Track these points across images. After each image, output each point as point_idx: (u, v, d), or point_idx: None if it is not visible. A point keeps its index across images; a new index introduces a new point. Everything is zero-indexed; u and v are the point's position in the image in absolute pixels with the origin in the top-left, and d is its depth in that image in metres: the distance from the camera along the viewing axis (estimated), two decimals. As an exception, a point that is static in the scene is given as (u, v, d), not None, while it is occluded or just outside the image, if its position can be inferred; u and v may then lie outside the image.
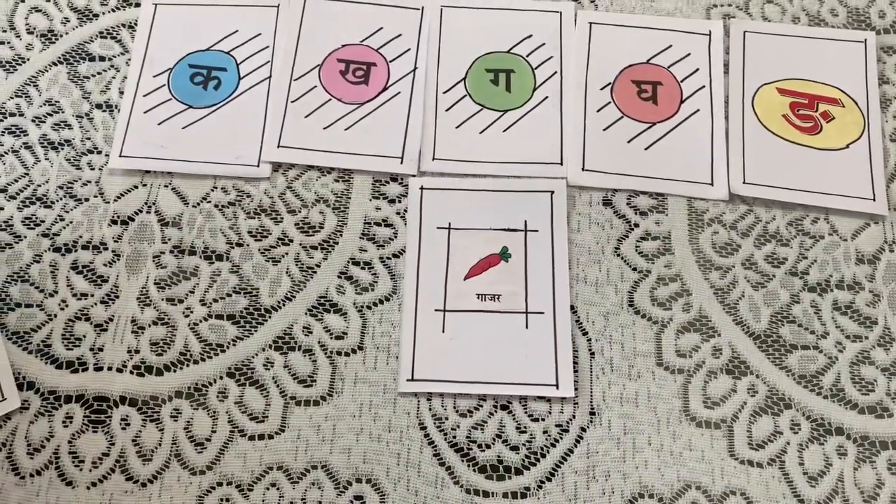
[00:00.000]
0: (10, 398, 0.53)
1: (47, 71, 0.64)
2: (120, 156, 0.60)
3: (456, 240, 0.57)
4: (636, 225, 0.59)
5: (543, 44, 0.64)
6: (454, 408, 0.53)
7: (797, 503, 0.51)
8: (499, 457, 0.52)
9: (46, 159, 0.61)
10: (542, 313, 0.55)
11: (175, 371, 0.55)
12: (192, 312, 0.56)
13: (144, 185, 0.60)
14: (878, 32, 0.65)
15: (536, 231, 0.57)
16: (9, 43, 0.65)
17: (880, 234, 0.58)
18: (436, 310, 0.55)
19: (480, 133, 0.61)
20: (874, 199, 0.59)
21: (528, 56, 0.64)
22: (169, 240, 0.58)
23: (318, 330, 0.56)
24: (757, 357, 0.55)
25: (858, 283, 0.57)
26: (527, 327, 0.54)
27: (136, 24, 0.65)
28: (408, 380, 0.53)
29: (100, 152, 0.61)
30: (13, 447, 0.52)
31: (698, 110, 0.62)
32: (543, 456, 0.52)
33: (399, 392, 0.53)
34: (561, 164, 0.60)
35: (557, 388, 0.53)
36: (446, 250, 0.57)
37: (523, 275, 0.56)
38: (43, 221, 0.59)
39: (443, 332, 0.54)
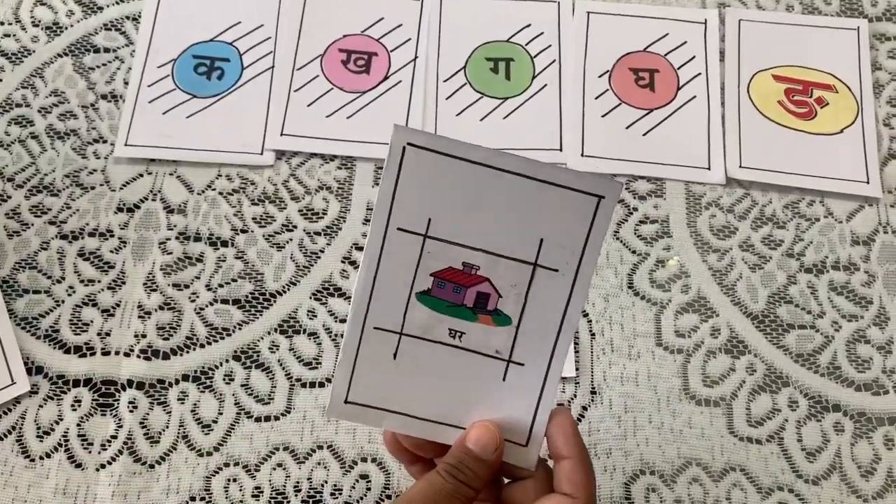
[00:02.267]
0: (20, 382, 0.54)
1: (53, 62, 0.65)
2: (125, 145, 0.61)
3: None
4: (635, 209, 0.60)
5: (542, 33, 0.65)
6: (457, 388, 0.54)
7: (796, 478, 0.52)
8: (502, 436, 0.53)
9: (53, 149, 0.62)
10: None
11: (181, 355, 0.55)
12: (197, 297, 0.57)
13: (150, 174, 0.61)
14: (870, 20, 0.66)
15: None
16: (14, 35, 0.66)
17: (874, 216, 0.59)
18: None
19: (481, 120, 0.62)
20: (868, 182, 0.60)
21: (526, 45, 0.65)
22: (174, 226, 0.59)
23: (322, 313, 0.56)
24: (755, 337, 0.56)
25: (854, 264, 0.58)
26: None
27: (139, 17, 0.66)
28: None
29: (105, 141, 0.62)
30: (23, 431, 0.53)
31: (695, 97, 0.63)
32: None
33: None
34: (560, 150, 0.61)
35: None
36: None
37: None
38: (50, 209, 0.60)
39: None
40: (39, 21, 0.66)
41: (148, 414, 0.54)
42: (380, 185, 0.37)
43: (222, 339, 0.56)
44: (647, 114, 0.62)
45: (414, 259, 0.38)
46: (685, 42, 0.65)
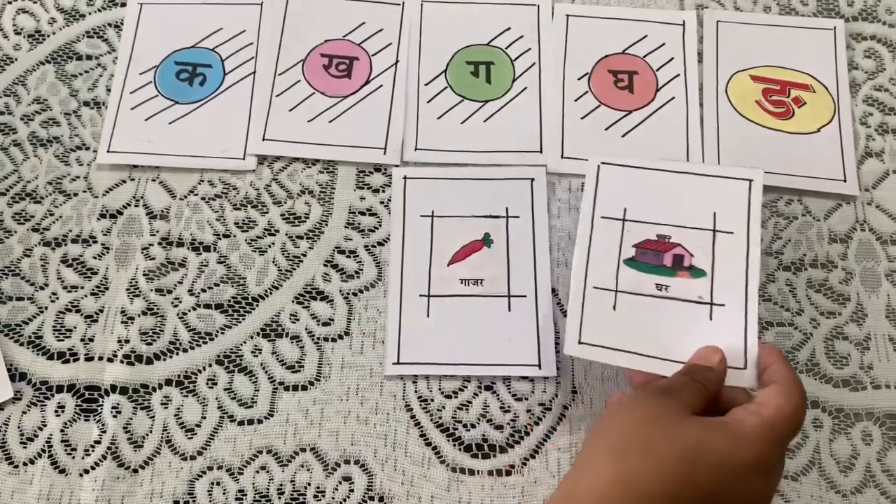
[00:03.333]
0: (3, 389, 0.54)
1: (35, 70, 0.65)
2: (108, 151, 0.62)
3: (439, 227, 0.58)
4: (615, 209, 0.60)
5: (522, 36, 0.66)
6: (439, 389, 0.54)
7: (775, 475, 0.52)
8: (483, 436, 0.53)
9: (36, 156, 0.62)
10: (525, 296, 0.56)
11: (165, 360, 0.55)
12: (180, 302, 0.57)
13: (132, 180, 0.61)
14: (846, 20, 0.67)
15: (518, 217, 0.58)
16: (-3, 44, 0.66)
17: (852, 214, 0.60)
18: (420, 295, 0.56)
19: (462, 123, 0.63)
20: (845, 181, 0.60)
21: (506, 48, 0.65)
22: (157, 232, 0.59)
23: (304, 317, 0.57)
24: (734, 335, 0.56)
25: (831, 262, 0.58)
26: (509, 310, 0.56)
27: (122, 24, 0.66)
28: (394, 363, 0.54)
29: (88, 148, 0.62)
30: (6, 437, 0.53)
31: (673, 98, 0.63)
32: (527, 434, 0.53)
33: (385, 375, 0.55)
34: (541, 152, 0.61)
35: (540, 367, 0.54)
36: (430, 237, 0.58)
37: (505, 259, 0.57)
38: (33, 216, 0.60)
39: (427, 316, 0.56)
40: (22, 29, 0.67)
41: (131, 419, 0.54)
42: (584, 191, 0.52)
43: (205, 343, 0.56)
44: (626, 115, 0.63)
45: (618, 236, 0.51)
46: (664, 44, 0.65)
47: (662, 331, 0.48)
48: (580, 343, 0.49)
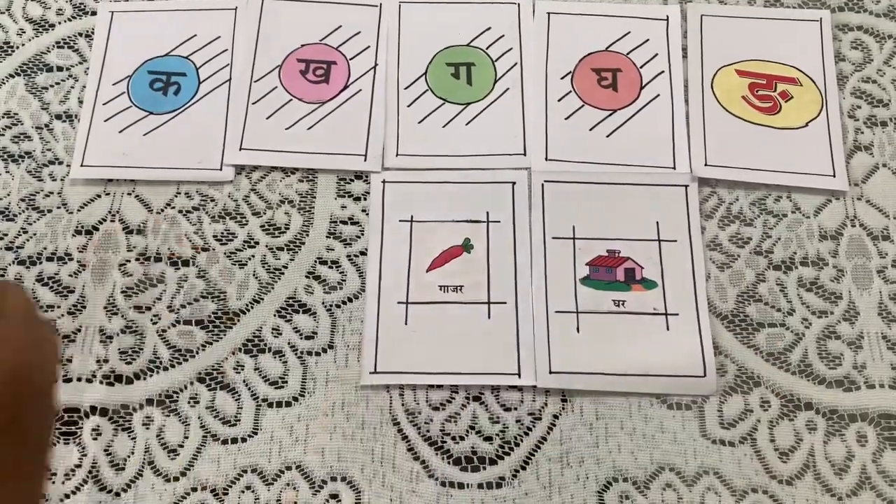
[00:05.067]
0: (-21, 414, 0.53)
1: (5, 83, 0.63)
2: (81, 165, 0.60)
3: (418, 232, 0.57)
4: (601, 211, 0.59)
5: (503, 36, 0.64)
6: (427, 401, 0.53)
7: (769, 479, 0.51)
8: (473, 448, 0.52)
9: (7, 172, 0.60)
10: (505, 303, 0.55)
11: (145, 379, 0.54)
12: (159, 319, 0.56)
13: (107, 194, 0.60)
14: (832, 11, 0.65)
15: (498, 222, 0.57)
16: (-35, 57, 0.64)
17: (842, 210, 0.59)
18: (398, 302, 0.55)
19: (443, 127, 0.61)
20: (834, 176, 0.59)
21: (487, 49, 0.64)
22: (134, 247, 0.58)
23: (287, 331, 0.55)
24: (725, 337, 0.55)
25: (822, 259, 0.57)
26: (489, 317, 0.54)
27: (93, 33, 0.65)
28: (371, 372, 0.53)
29: (61, 163, 0.61)
30: (-16, 463, 0.52)
31: (658, 95, 0.62)
32: (517, 445, 0.52)
33: (362, 385, 0.53)
34: (524, 154, 0.60)
35: (520, 376, 0.53)
36: (409, 243, 0.57)
37: (486, 265, 0.56)
38: (6, 235, 0.58)
39: (405, 324, 0.54)
40: (-10, 41, 0.65)
41: (112, 441, 0.53)
42: (531, 213, 0.56)
43: (186, 360, 0.55)
44: (610, 114, 0.61)
45: (570, 256, 0.54)
46: (647, 40, 0.64)
47: (625, 346, 0.51)
48: (551, 373, 0.51)
